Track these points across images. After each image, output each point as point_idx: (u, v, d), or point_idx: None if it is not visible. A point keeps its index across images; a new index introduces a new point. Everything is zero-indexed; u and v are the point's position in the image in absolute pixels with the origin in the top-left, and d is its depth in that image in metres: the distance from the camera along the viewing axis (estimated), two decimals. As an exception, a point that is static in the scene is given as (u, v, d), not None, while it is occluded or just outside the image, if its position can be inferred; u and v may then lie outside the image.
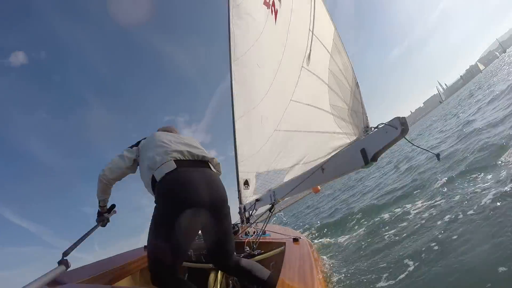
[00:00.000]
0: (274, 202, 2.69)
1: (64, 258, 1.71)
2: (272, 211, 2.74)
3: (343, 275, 3.44)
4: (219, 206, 1.68)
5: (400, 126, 1.26)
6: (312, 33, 2.08)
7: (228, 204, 1.78)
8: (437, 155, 1.54)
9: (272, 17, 3.01)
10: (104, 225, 2.27)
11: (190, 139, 1.98)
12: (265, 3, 3.08)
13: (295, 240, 2.34)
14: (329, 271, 3.52)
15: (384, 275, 2.95)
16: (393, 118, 1.34)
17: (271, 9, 3.00)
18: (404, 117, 1.28)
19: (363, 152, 1.44)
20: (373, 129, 1.53)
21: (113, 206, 2.31)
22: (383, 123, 1.42)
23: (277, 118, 3.12)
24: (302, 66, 2.41)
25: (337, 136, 1.88)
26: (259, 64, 3.33)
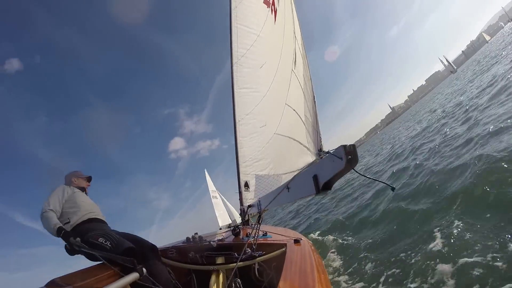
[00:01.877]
0: (260, 212, 2.63)
1: (139, 266, 1.88)
2: (259, 221, 2.70)
3: (344, 276, 3.28)
4: None
5: (345, 157, 1.09)
6: (295, 35, 1.95)
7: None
8: (392, 188, 1.40)
9: (272, 17, 2.89)
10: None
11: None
12: (265, 2, 2.96)
13: (296, 241, 2.29)
14: (331, 272, 3.39)
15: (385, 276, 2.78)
16: (338, 146, 1.15)
17: (271, 8, 2.88)
18: (352, 145, 1.09)
19: (315, 179, 1.29)
20: (323, 155, 1.38)
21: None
22: (328, 152, 1.22)
23: (276, 121, 3.02)
24: (292, 70, 2.29)
25: (306, 152, 1.75)
26: (259, 64, 3.24)
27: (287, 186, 1.70)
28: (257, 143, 3.42)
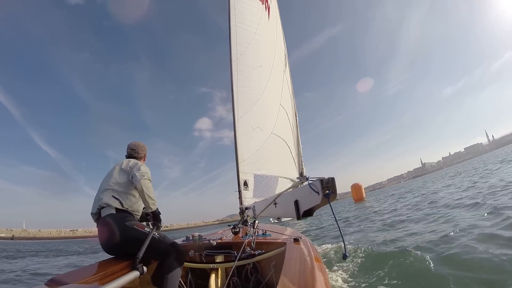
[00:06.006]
0: (255, 217, 2.62)
1: (139, 264, 1.85)
2: (255, 227, 2.70)
3: (344, 275, 3.28)
4: (115, 247, 2.03)
5: (321, 192, 1.04)
6: (284, 37, 1.88)
7: (127, 230, 2.02)
8: (343, 256, 1.39)
9: (266, 13, 2.80)
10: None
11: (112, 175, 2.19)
12: (260, -2, 2.86)
13: (296, 240, 2.27)
14: (330, 271, 3.39)
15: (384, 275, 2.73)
16: (316, 179, 1.08)
17: (265, 4, 2.78)
18: (331, 179, 1.02)
19: (296, 204, 1.26)
20: (303, 180, 1.33)
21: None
22: (308, 182, 1.15)
23: (272, 121, 2.97)
24: (283, 71, 2.21)
25: (293, 164, 1.71)
26: (256, 62, 3.16)
27: (274, 202, 1.68)
28: (255, 142, 3.39)
